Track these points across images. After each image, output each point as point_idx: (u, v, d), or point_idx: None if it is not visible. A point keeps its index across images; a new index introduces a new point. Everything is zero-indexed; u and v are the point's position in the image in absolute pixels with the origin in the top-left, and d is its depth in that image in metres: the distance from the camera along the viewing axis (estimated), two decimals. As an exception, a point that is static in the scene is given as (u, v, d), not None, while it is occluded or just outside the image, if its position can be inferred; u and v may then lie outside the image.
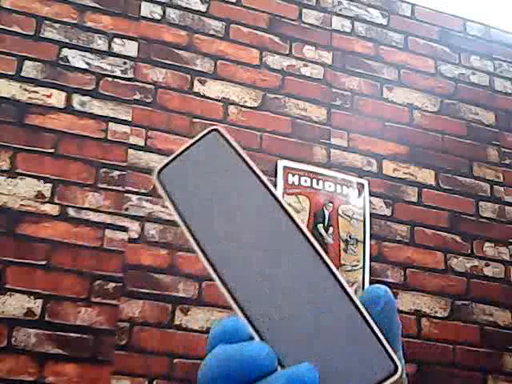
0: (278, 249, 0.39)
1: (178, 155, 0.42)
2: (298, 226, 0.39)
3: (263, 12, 3.36)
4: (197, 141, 0.42)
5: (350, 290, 0.38)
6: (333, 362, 0.37)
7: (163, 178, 0.41)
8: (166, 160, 0.42)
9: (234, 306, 0.39)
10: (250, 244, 0.39)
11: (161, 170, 0.42)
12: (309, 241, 0.39)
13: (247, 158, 0.41)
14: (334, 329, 0.37)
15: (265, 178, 0.40)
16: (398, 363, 0.36)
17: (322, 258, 0.39)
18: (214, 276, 0.39)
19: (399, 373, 0.36)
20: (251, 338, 0.39)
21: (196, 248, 0.40)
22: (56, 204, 2.81)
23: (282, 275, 0.39)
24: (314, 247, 0.39)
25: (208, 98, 3.14)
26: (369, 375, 0.36)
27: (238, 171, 0.41)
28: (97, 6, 3.10)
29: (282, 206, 0.40)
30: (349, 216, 3.17)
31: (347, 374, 0.36)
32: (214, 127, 0.42)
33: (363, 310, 0.38)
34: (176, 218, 0.41)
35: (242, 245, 0.39)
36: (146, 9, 3.17)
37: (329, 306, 0.38)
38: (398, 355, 0.42)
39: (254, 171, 0.41)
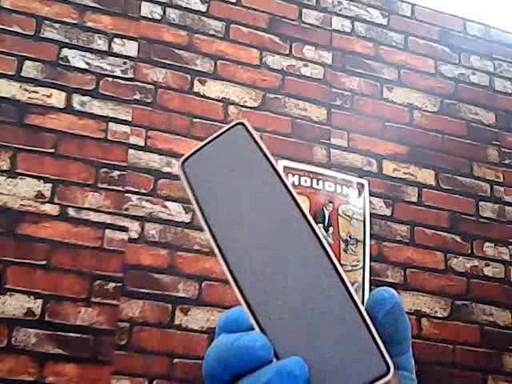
0: (289, 247, 0.40)
1: (203, 146, 0.43)
2: (310, 224, 0.40)
3: (263, 12, 3.36)
4: (222, 133, 0.43)
5: (353, 291, 0.38)
6: (327, 359, 0.37)
7: (187, 168, 0.42)
8: (192, 150, 0.43)
9: (240, 297, 0.39)
10: (262, 240, 0.40)
11: (185, 159, 0.42)
12: (320, 241, 0.39)
13: (269, 154, 0.42)
14: (332, 327, 0.38)
15: (284, 176, 0.41)
16: (391, 364, 0.37)
17: (330, 258, 0.39)
18: (222, 265, 0.40)
19: (390, 374, 0.36)
20: (252, 329, 0.39)
21: (211, 239, 0.41)
22: (56, 204, 2.81)
23: (289, 273, 0.39)
24: (323, 247, 0.39)
25: (208, 97, 3.14)
26: (360, 375, 0.37)
27: (258, 167, 0.41)
28: (97, 5, 3.10)
29: (297, 205, 0.40)
30: (349, 216, 3.16)
31: (339, 372, 0.37)
32: (240, 120, 0.43)
33: (363, 310, 0.38)
34: (195, 208, 0.41)
35: (255, 240, 0.40)
36: (146, 9, 3.17)
37: (330, 305, 0.38)
38: (406, 356, 0.43)
39: (274, 168, 0.41)
